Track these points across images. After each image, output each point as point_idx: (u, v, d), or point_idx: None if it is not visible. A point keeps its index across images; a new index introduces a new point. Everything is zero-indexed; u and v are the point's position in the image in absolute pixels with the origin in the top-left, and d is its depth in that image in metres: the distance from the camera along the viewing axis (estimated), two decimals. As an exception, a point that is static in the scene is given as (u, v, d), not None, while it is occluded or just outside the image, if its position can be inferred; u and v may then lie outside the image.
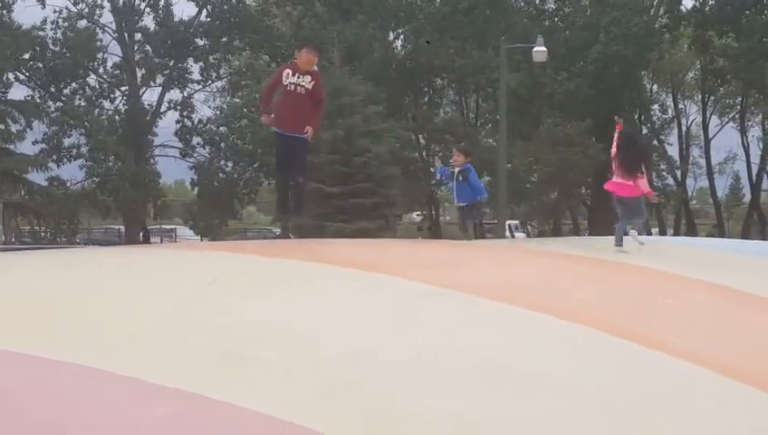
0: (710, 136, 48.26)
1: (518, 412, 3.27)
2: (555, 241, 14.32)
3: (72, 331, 3.95)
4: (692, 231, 44.41)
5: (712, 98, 48.40)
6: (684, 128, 49.88)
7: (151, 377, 3.27)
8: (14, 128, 38.34)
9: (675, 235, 42.24)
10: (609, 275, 6.85)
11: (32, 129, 39.75)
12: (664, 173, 46.29)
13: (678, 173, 47.23)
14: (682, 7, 40.54)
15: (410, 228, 45.94)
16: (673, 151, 48.03)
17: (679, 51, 45.52)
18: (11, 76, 40.77)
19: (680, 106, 50.58)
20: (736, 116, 48.88)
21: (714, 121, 49.32)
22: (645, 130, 46.09)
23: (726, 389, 3.66)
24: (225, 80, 46.10)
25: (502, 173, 30.33)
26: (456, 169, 11.91)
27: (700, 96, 48.91)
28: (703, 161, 49.71)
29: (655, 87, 49.68)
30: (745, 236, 39.61)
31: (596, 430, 3.21)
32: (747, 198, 51.65)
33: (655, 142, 46.12)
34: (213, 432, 2.94)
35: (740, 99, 47.72)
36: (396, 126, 30.85)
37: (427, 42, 38.47)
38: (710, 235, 39.67)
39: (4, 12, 39.64)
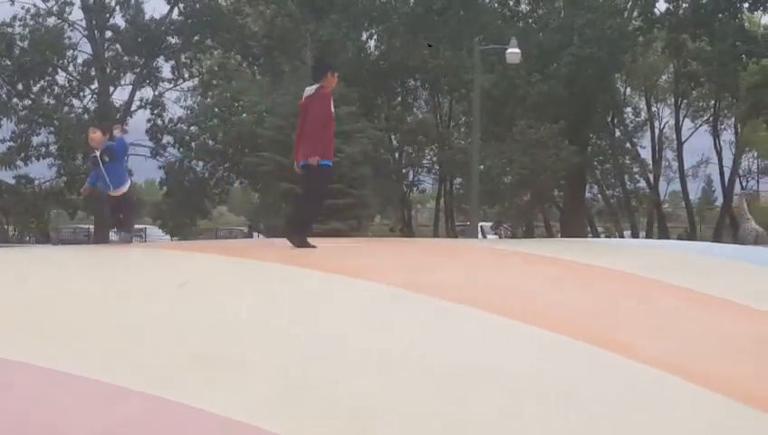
0: (683, 139, 48.55)
1: (481, 413, 3.23)
2: (527, 242, 14.28)
3: (37, 332, 3.94)
4: (664, 234, 44.58)
5: (685, 101, 48.67)
6: (657, 131, 50.10)
7: (116, 379, 3.23)
8: (-20, 126, 38.05)
9: (647, 237, 42.31)
10: (577, 278, 6.80)
11: (0, 126, 39.51)
12: (636, 176, 46.47)
13: (651, 176, 47.39)
14: (656, 10, 40.58)
15: (382, 229, 45.90)
16: (646, 154, 48.25)
17: (653, 54, 45.61)
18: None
19: (653, 109, 50.92)
20: (710, 119, 49.10)
21: (687, 125, 49.80)
22: (618, 133, 46.27)
23: (691, 393, 3.63)
24: (196, 79, 45.84)
25: (475, 175, 30.25)
26: (98, 152, 10.76)
27: (673, 99, 49.11)
28: (676, 164, 49.99)
29: (628, 90, 49.87)
30: (717, 239, 39.81)
31: (559, 431, 3.16)
32: (719, 201, 52.03)
33: (628, 145, 46.29)
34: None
35: (713, 102, 48.00)
36: (368, 126, 30.70)
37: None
38: (680, 238, 39.79)
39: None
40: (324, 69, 9.31)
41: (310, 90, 9.06)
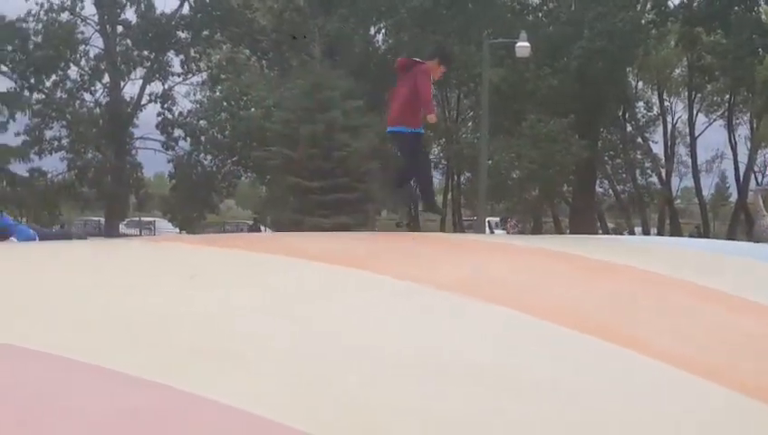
0: (696, 134, 48.14)
1: (492, 411, 3.09)
2: (535, 238, 14.18)
3: (47, 321, 3.88)
4: (676, 231, 44.29)
5: (699, 95, 48.09)
6: (669, 125, 49.72)
7: (126, 368, 3.13)
8: (-4, 119, 38.24)
9: (658, 234, 42.15)
10: (588, 274, 6.70)
11: (15, 120, 39.70)
12: (648, 171, 46.22)
13: (663, 171, 47.09)
14: (669, 3, 40.35)
15: (389, 224, 45.79)
16: (658, 149, 47.85)
17: (666, 47, 45.32)
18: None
19: (666, 103, 50.34)
20: (724, 114, 48.54)
21: (701, 119, 49.22)
22: (629, 128, 46.01)
23: (702, 389, 3.51)
24: (205, 73, 45.94)
25: (483, 170, 30.15)
26: None
27: (687, 93, 48.68)
28: (689, 160, 49.62)
29: (640, 84, 49.52)
30: (731, 236, 39.44)
31: (569, 429, 3.06)
32: (734, 197, 51.59)
33: (639, 140, 46.03)
34: (186, 425, 2.72)
35: (728, 96, 47.33)
36: (376, 121, 30.60)
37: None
38: (691, 235, 39.53)
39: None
40: (439, 55, 9.46)
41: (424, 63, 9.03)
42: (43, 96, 43.24)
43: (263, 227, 33.64)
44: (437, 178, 49.59)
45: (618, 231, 45.08)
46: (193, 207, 42.02)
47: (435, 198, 8.47)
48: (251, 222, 42.23)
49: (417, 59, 9.10)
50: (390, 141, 9.76)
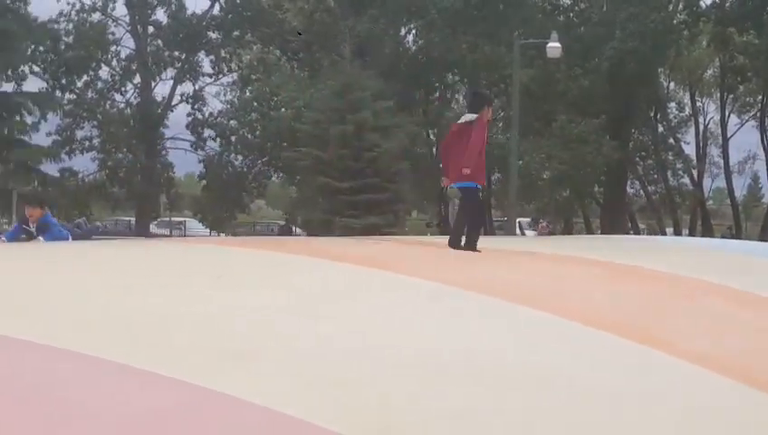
0: (728, 135, 47.77)
1: (523, 410, 3.23)
2: (567, 239, 14.19)
3: (75, 320, 4.00)
4: (708, 232, 43.99)
5: (731, 96, 47.72)
6: (701, 126, 49.43)
7: (154, 368, 3.29)
8: (28, 119, 38.44)
9: (690, 235, 41.87)
10: (619, 277, 6.73)
11: (46, 120, 40.03)
12: (680, 172, 45.93)
13: (695, 172, 46.80)
14: (701, 3, 40.09)
15: (419, 224, 45.83)
16: (690, 150, 47.56)
17: (698, 48, 45.05)
18: (26, 68, 40.95)
19: (698, 104, 50.11)
20: (757, 114, 48.12)
21: (733, 120, 48.87)
22: (661, 129, 45.74)
23: (733, 391, 3.59)
24: (236, 74, 46.17)
25: (513, 170, 30.07)
26: (33, 226, 10.59)
27: (719, 94, 48.37)
28: (721, 161, 49.25)
29: (672, 84, 49.29)
30: (764, 237, 39.13)
31: (601, 430, 3.16)
32: (767, 198, 51.20)
33: (671, 141, 45.73)
34: (213, 423, 2.90)
35: (761, 97, 46.93)
36: (406, 121, 30.65)
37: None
38: (723, 236, 39.23)
39: (21, 4, 39.73)
40: (482, 101, 10.14)
41: (469, 117, 9.76)
42: (75, 96, 43.71)
43: (294, 228, 33.70)
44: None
45: (649, 232, 44.88)
46: (223, 207, 42.26)
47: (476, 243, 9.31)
48: (282, 223, 42.38)
49: (468, 119, 9.76)
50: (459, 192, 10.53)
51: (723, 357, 4.06)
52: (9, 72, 38.85)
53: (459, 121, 10.01)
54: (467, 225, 9.74)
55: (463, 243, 9.27)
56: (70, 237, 11.37)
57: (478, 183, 9.69)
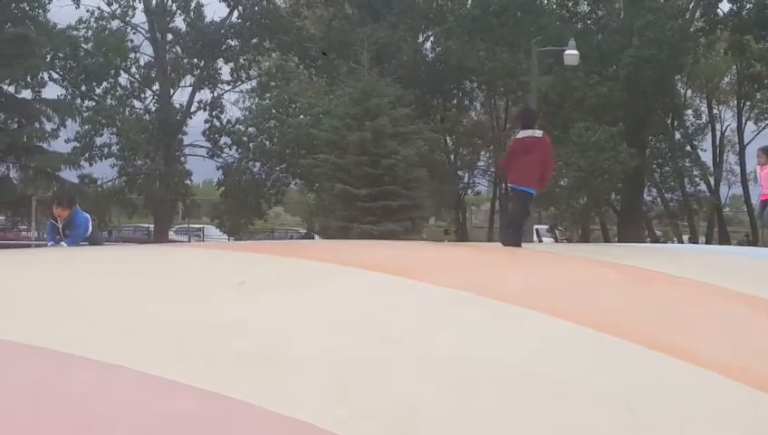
0: (746, 142, 47.67)
1: (541, 416, 3.20)
2: (584, 246, 14.20)
3: (92, 327, 3.98)
4: (725, 239, 43.87)
5: (748, 103, 47.71)
6: (718, 134, 49.31)
7: (172, 375, 3.24)
8: (48, 126, 38.60)
9: (707, 242, 41.77)
10: (636, 283, 6.73)
11: (65, 127, 40.13)
12: (697, 179, 45.81)
13: (712, 179, 46.70)
14: (719, 11, 40.07)
15: (437, 231, 45.84)
16: (707, 157, 47.45)
17: (715, 55, 45.02)
18: (45, 75, 41.13)
19: (715, 111, 49.97)
20: (774, 122, 48.11)
21: (750, 127, 48.71)
22: (678, 136, 45.65)
23: (754, 400, 3.57)
24: (254, 81, 46.26)
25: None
26: (61, 224, 11.19)
27: (736, 101, 48.32)
28: (738, 168, 49.17)
29: (689, 92, 49.20)
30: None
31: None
32: (784, 205, 50.94)
33: (688, 148, 45.63)
34: (232, 431, 2.89)
35: (778, 104, 47.03)
36: (424, 128, 30.70)
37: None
38: (740, 243, 39.13)
39: (40, 11, 39.94)
40: (534, 117, 12.06)
41: (536, 133, 10.91)
42: (94, 103, 43.67)
43: (315, 235, 33.75)
44: (485, 187, 49.64)
45: (666, 239, 44.75)
46: (242, 213, 42.29)
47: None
48: (303, 230, 42.44)
49: (531, 134, 10.86)
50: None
51: (742, 364, 4.08)
52: (29, 79, 39.00)
53: (521, 137, 11.02)
54: (510, 215, 11.18)
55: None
56: (90, 224, 11.75)
57: (535, 189, 10.95)
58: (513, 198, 12.33)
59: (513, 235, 10.71)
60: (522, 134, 11.01)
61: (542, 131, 11.12)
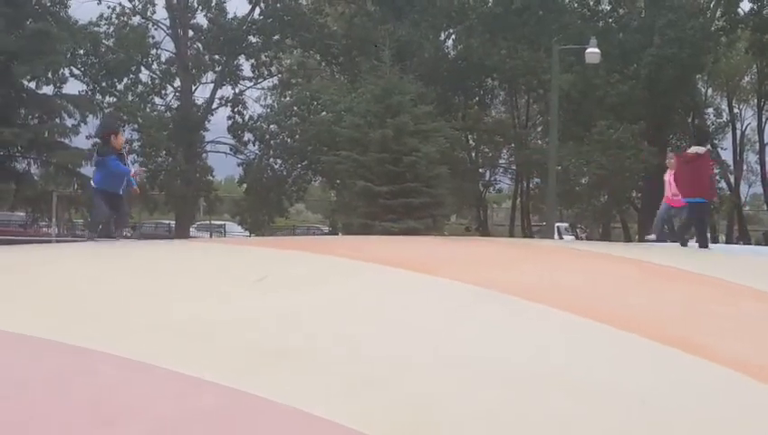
0: (766, 141, 47.49)
1: (557, 413, 3.27)
2: (605, 245, 14.20)
3: (115, 323, 4.05)
4: (744, 237, 43.73)
5: (769, 102, 47.59)
6: (738, 132, 49.15)
7: (193, 371, 3.35)
8: (68, 122, 38.60)
9: (727, 241, 41.63)
10: (656, 280, 6.77)
11: (86, 123, 40.13)
12: (717, 178, 45.63)
13: (732, 178, 46.54)
14: (739, 10, 39.91)
15: (458, 229, 45.81)
16: (727, 156, 47.31)
17: (736, 54, 44.86)
18: (66, 71, 41.16)
19: (735, 110, 49.88)
20: (794, 121, 47.91)
21: (771, 126, 48.55)
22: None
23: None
24: (276, 78, 46.29)
25: (552, 175, 30.10)
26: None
27: (756, 100, 48.14)
28: (758, 167, 48.96)
29: (710, 91, 49.05)
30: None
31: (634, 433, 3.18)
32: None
33: (708, 147, 45.41)
34: (252, 426, 2.98)
35: (797, 104, 46.83)
36: (445, 126, 30.64)
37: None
38: (758, 242, 38.99)
39: (60, 7, 40.06)
40: (708, 137, 12.98)
41: (699, 149, 12.49)
42: (115, 99, 43.66)
43: (339, 233, 33.78)
44: (507, 184, 49.56)
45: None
46: (263, 210, 42.28)
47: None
48: (327, 228, 42.39)
49: (698, 151, 12.42)
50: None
51: (760, 362, 4.10)
52: (50, 75, 39.03)
53: (689, 151, 12.67)
54: (697, 229, 12.89)
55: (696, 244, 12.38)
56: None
57: (708, 198, 12.80)
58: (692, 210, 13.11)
59: (704, 240, 12.43)
60: (692, 150, 12.62)
61: (705, 149, 12.82)
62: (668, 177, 15.98)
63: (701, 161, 12.30)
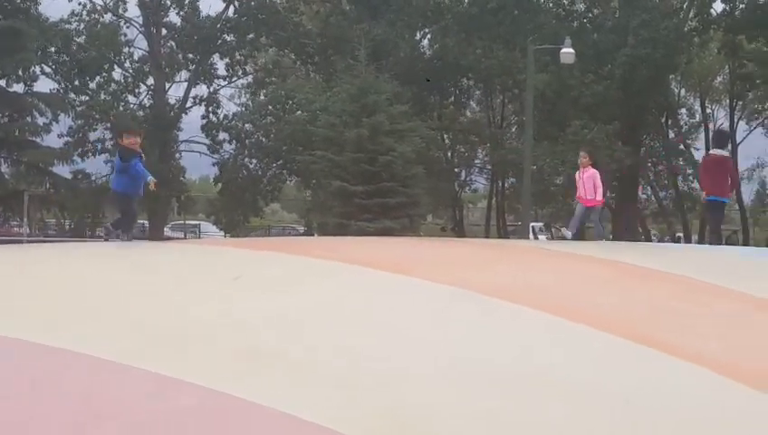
0: (738, 141, 47.84)
1: (533, 415, 3.23)
2: (580, 244, 14.24)
3: (90, 324, 4.01)
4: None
5: (740, 103, 47.87)
6: (711, 132, 49.43)
7: (170, 372, 3.29)
8: (40, 120, 38.36)
9: (699, 240, 41.90)
10: (627, 279, 6.78)
11: (58, 122, 39.91)
12: (690, 178, 45.95)
13: (704, 178, 46.75)
14: (712, 11, 40.23)
15: (434, 229, 45.86)
16: (700, 156, 47.53)
17: (708, 55, 45.21)
18: (37, 69, 40.88)
19: (708, 110, 50.27)
20: (765, 122, 48.29)
21: (742, 127, 48.91)
22: (672, 135, 45.80)
23: (743, 395, 3.60)
24: (250, 76, 46.16)
25: (527, 175, 30.20)
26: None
27: (728, 101, 48.52)
28: (730, 167, 49.23)
29: (683, 91, 49.37)
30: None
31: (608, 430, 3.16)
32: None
33: (682, 147, 45.78)
34: (230, 429, 2.93)
35: (769, 104, 47.23)
36: (421, 125, 30.72)
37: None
38: (728, 240, 39.28)
39: (31, 4, 39.76)
40: (728, 139, 14.27)
41: (721, 152, 13.61)
42: (87, 98, 43.29)
43: (314, 233, 33.74)
44: (482, 184, 49.68)
45: (660, 237, 44.89)
46: (238, 210, 42.16)
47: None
48: (302, 228, 42.34)
49: (720, 153, 13.57)
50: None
51: (732, 360, 4.10)
52: (20, 73, 38.74)
53: (712, 153, 13.82)
54: (711, 225, 14.31)
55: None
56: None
57: (726, 197, 13.82)
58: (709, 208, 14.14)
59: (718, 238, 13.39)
60: (712, 152, 13.77)
61: (722, 154, 13.61)
62: (581, 175, 15.71)
63: (726, 164, 13.38)
